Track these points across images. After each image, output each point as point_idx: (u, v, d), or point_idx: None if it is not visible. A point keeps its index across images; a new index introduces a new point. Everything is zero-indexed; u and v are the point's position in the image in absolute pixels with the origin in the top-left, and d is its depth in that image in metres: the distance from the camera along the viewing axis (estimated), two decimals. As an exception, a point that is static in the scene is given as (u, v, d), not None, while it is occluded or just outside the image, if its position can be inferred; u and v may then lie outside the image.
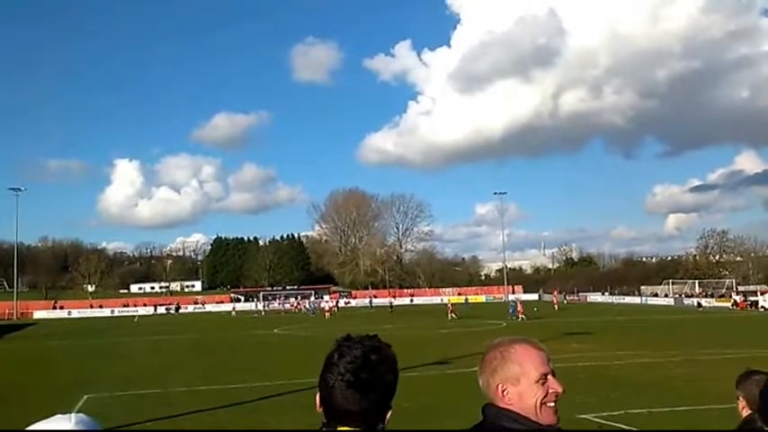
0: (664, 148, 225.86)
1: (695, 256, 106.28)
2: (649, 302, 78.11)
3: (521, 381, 1.86)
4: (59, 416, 1.56)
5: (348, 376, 1.63)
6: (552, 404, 1.87)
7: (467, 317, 51.46)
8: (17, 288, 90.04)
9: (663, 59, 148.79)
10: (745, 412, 3.29)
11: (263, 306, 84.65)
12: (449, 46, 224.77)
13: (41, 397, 15.88)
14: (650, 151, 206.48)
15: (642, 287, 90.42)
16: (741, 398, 3.33)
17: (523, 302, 55.11)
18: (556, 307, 64.52)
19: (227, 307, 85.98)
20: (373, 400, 1.63)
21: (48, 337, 43.66)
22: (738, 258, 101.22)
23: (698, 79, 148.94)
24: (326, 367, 1.68)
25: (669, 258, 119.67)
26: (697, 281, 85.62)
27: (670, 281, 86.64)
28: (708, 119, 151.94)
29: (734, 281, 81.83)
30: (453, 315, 50.65)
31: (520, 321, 45.61)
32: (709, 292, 77.35)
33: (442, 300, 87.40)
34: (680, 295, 78.58)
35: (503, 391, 1.87)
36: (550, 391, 1.87)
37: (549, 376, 1.89)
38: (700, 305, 65.44)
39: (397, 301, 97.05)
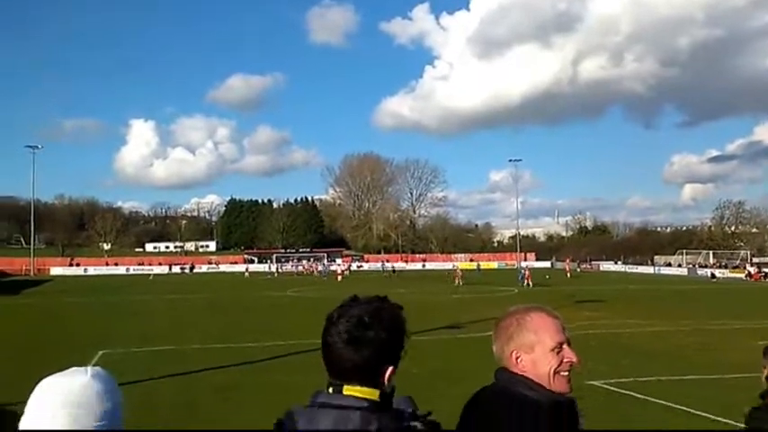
0: (683, 118, 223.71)
1: (710, 226, 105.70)
2: (662, 272, 77.99)
3: (535, 349, 1.87)
4: (75, 369, 1.59)
5: (344, 335, 1.68)
6: (566, 373, 1.88)
7: (478, 283, 51.67)
8: (34, 245, 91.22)
9: (685, 27, 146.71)
10: None
11: (277, 268, 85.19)
12: (467, 9, 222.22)
13: (58, 352, 16.17)
14: (669, 121, 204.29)
15: (656, 257, 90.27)
16: (767, 367, 3.36)
17: (532, 269, 54.95)
18: (568, 275, 64.61)
19: (241, 268, 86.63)
20: (366, 357, 1.67)
21: (64, 294, 44.31)
22: (754, 230, 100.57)
23: (720, 48, 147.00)
24: (326, 327, 1.74)
25: (684, 228, 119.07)
26: (711, 251, 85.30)
27: (684, 251, 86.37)
28: (729, 88, 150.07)
29: (749, 252, 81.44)
30: (460, 281, 50.69)
31: (527, 288, 45.69)
32: (724, 263, 77.11)
33: (454, 265, 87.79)
34: (694, 265, 78.38)
35: (517, 359, 1.88)
36: (565, 360, 1.88)
37: (565, 345, 1.89)
38: (713, 276, 65.28)
39: (410, 266, 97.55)
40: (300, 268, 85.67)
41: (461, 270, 55.90)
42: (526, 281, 48.37)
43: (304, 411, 1.68)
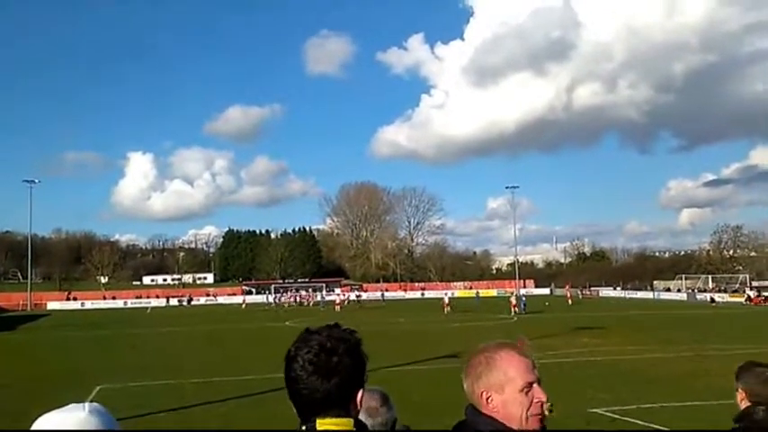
0: (678, 143, 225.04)
1: (709, 251, 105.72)
2: (662, 297, 77.68)
3: (505, 389, 1.83)
4: (73, 405, 1.58)
5: (307, 366, 1.67)
6: (538, 413, 1.83)
7: (468, 311, 51.63)
8: (31, 279, 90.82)
9: (679, 53, 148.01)
10: (744, 404, 3.21)
11: (274, 299, 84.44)
12: (462, 39, 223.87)
13: (55, 387, 16.03)
14: (665, 146, 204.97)
15: (655, 282, 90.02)
16: (741, 390, 3.25)
17: (517, 297, 53.93)
18: (569, 302, 64.34)
19: (239, 299, 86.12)
20: (335, 384, 1.66)
21: (61, 328, 44.04)
22: (753, 254, 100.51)
23: (714, 73, 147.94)
24: (287, 363, 1.72)
25: (682, 253, 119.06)
26: (710, 276, 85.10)
27: (683, 276, 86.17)
28: (724, 113, 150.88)
29: (748, 276, 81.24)
30: (449, 309, 50.83)
31: (514, 316, 45.18)
32: (723, 288, 76.92)
33: (453, 294, 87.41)
34: (693, 290, 78.15)
35: (487, 399, 1.84)
36: (535, 400, 1.83)
37: (535, 385, 1.85)
38: (713, 300, 65.08)
39: (408, 295, 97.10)
40: (299, 299, 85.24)
41: (449, 299, 55.70)
42: (511, 308, 47.72)
43: None
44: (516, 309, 47.64)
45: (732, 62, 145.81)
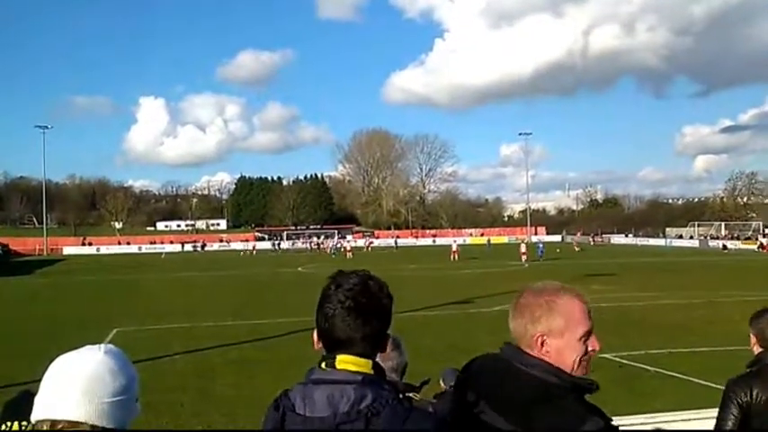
0: (695, 88, 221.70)
1: (722, 198, 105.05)
2: (674, 244, 77.65)
3: (564, 335, 1.80)
4: (89, 346, 1.61)
5: (348, 303, 1.67)
6: (588, 360, 1.83)
7: (475, 258, 51.83)
8: (47, 224, 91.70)
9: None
10: (757, 349, 3.38)
11: (276, 245, 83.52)
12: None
13: (72, 330, 16.33)
14: (682, 91, 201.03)
15: (667, 229, 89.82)
16: (752, 335, 3.41)
17: (527, 244, 54.14)
18: (576, 248, 64.56)
19: (251, 245, 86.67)
20: (374, 326, 1.68)
21: (77, 273, 44.70)
22: (767, 201, 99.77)
23: (735, 16, 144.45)
24: (324, 299, 1.73)
25: (696, 200, 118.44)
26: (723, 223, 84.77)
27: (695, 223, 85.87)
28: (743, 57, 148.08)
29: (761, 223, 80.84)
30: (456, 257, 51.28)
31: (524, 263, 45.11)
32: (735, 235, 76.71)
33: (464, 240, 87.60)
34: (705, 237, 78.01)
35: (542, 343, 1.81)
36: (590, 348, 1.82)
37: (592, 334, 1.84)
38: (725, 247, 65.03)
39: (420, 242, 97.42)
40: (312, 245, 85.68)
41: (458, 246, 56.11)
42: (521, 256, 47.24)
43: (299, 389, 1.69)
44: (526, 256, 47.32)
45: (753, 5, 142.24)
